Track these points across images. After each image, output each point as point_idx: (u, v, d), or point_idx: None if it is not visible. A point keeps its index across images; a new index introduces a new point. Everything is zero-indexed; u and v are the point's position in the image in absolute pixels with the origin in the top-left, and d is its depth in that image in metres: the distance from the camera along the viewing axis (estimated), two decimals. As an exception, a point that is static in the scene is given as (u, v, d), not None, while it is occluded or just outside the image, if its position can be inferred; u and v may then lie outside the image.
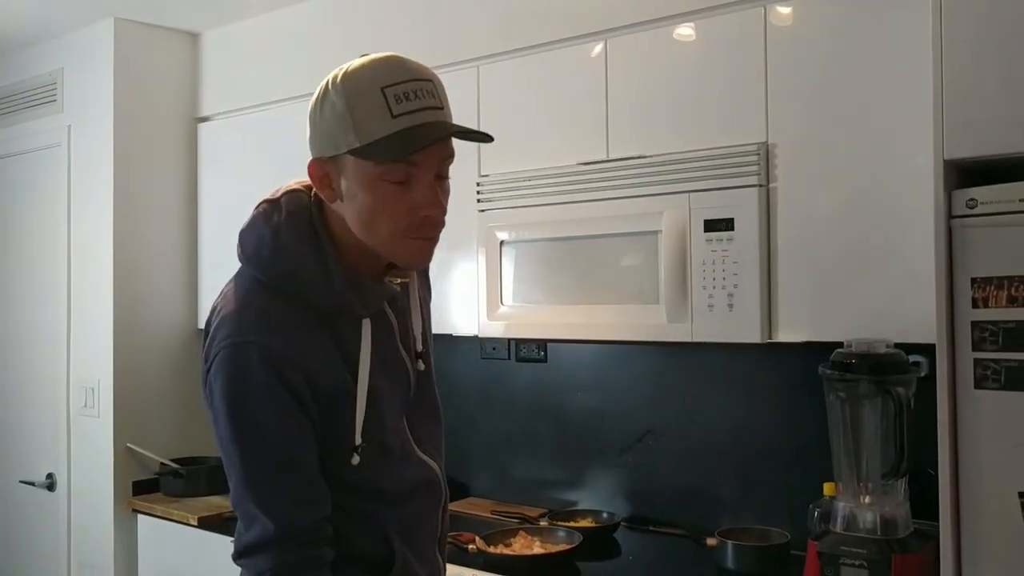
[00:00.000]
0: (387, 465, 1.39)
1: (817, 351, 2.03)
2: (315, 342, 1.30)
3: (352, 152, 1.25)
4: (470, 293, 2.65)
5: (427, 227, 1.30)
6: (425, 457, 1.46)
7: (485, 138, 1.32)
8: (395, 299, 1.43)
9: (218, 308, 1.35)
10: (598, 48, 2.42)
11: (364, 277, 1.35)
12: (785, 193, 2.09)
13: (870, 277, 1.96)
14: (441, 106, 1.29)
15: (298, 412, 1.28)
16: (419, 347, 1.50)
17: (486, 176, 2.59)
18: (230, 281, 1.38)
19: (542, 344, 2.90)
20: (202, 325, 3.44)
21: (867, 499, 1.85)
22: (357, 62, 1.29)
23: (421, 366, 1.49)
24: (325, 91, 1.28)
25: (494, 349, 3.03)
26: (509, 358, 3.02)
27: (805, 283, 2.05)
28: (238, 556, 1.32)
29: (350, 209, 1.29)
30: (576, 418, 2.86)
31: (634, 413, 2.73)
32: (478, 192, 2.57)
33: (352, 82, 1.26)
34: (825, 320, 2.02)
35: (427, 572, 1.45)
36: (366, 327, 1.36)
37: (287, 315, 1.30)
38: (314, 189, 1.35)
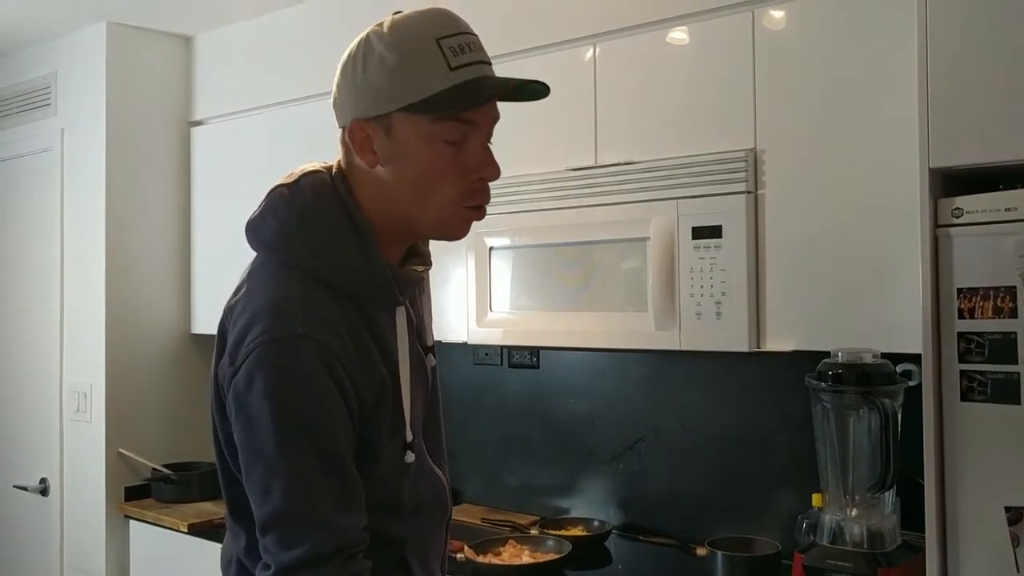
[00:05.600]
0: (406, 477, 1.27)
1: (806, 360, 2.00)
2: (355, 333, 1.19)
3: (406, 108, 1.16)
4: (459, 299, 2.63)
5: (481, 193, 1.23)
6: (436, 469, 1.35)
7: (544, 90, 1.24)
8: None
9: (239, 304, 1.22)
10: (588, 52, 2.39)
11: (394, 262, 1.25)
12: (773, 200, 2.06)
13: (858, 286, 1.94)
14: (490, 61, 1.21)
15: (345, 412, 1.17)
16: (430, 341, 1.40)
17: (475, 181, 2.56)
18: (247, 275, 1.26)
19: (534, 350, 2.88)
20: (196, 329, 3.47)
21: (854, 511, 1.82)
22: (404, 14, 1.20)
23: (432, 361, 1.39)
24: (367, 45, 1.19)
25: (486, 354, 3.01)
26: (501, 363, 3.00)
27: (793, 291, 2.03)
28: (289, 572, 1.14)
29: (396, 174, 1.20)
30: (568, 424, 2.83)
31: (626, 420, 2.71)
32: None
33: (403, 34, 1.17)
34: (813, 329, 2.00)
35: None
36: (400, 316, 1.27)
37: (328, 304, 1.19)
38: (335, 167, 1.25)
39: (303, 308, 1.17)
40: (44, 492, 3.50)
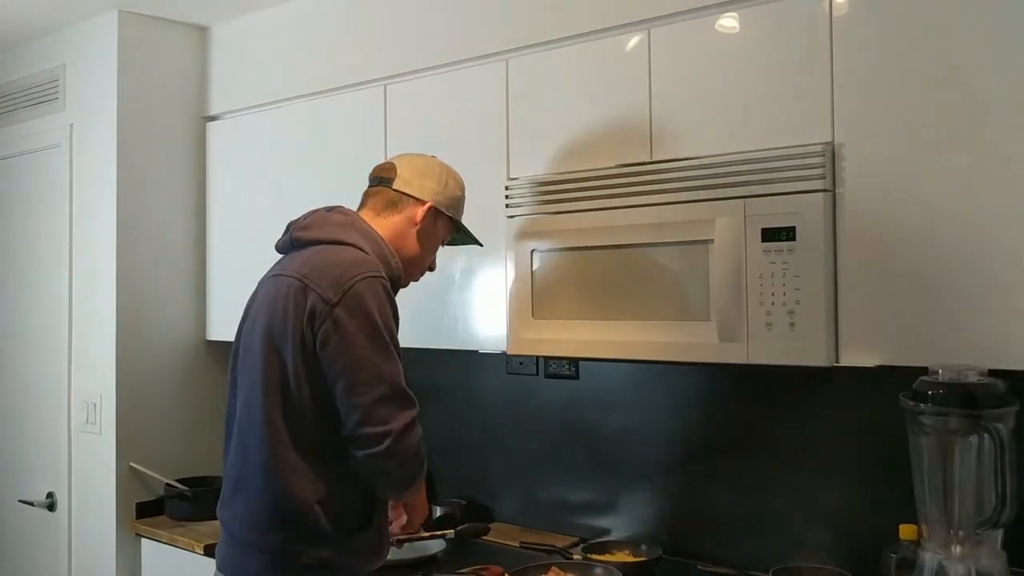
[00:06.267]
0: None
1: (893, 377, 1.81)
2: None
3: (452, 219, 2.04)
4: (497, 306, 2.44)
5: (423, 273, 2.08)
6: None
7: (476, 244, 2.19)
8: None
9: (314, 268, 1.79)
10: (638, 39, 2.20)
11: None
12: (855, 198, 1.86)
13: (956, 293, 1.74)
14: None
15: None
16: None
17: (515, 179, 2.39)
18: (300, 257, 1.86)
19: (573, 359, 2.69)
20: (212, 336, 3.33)
21: (958, 549, 1.62)
22: (454, 171, 2.07)
23: None
24: (447, 172, 2.04)
25: (521, 364, 2.83)
26: (537, 373, 2.81)
27: (879, 299, 1.83)
28: (408, 429, 1.72)
29: (416, 241, 1.98)
30: (610, 440, 2.64)
31: (674, 436, 2.52)
32: (507, 197, 2.36)
33: (460, 182, 2.06)
34: (902, 342, 1.80)
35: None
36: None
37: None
38: (363, 210, 2.00)
39: (376, 265, 1.81)
40: (51, 507, 3.33)
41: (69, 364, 3.29)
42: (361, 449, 1.72)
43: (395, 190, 1.97)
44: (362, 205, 2.00)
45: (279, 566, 1.78)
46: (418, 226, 1.96)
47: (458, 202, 2.04)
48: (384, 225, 1.94)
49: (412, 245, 1.97)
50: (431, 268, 2.07)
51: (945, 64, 1.76)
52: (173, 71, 3.28)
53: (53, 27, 3.33)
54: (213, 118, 3.34)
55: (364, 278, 1.75)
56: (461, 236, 2.10)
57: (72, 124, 3.30)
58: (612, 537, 2.61)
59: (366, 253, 1.83)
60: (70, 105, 3.32)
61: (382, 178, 2.00)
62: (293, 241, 1.91)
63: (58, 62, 3.36)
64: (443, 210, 1.99)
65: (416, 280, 2.04)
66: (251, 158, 3.18)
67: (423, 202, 1.96)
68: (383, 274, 1.79)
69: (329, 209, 1.95)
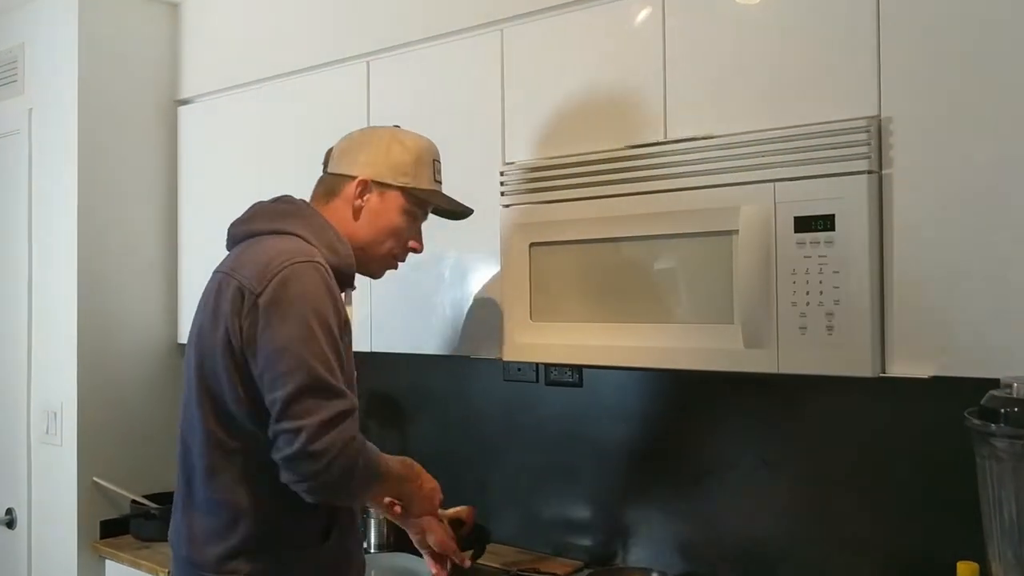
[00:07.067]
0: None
1: (950, 391, 1.55)
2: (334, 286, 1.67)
3: (401, 188, 1.81)
4: (491, 307, 2.21)
5: (404, 256, 1.88)
6: None
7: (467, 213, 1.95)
8: None
9: (245, 262, 1.65)
10: (650, 4, 1.95)
11: None
12: (905, 182, 1.60)
13: (1025, 294, 1.48)
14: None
15: (337, 323, 1.62)
16: None
17: (511, 164, 2.14)
18: (236, 251, 1.73)
19: (576, 366, 2.44)
20: (183, 339, 3.05)
21: (1035, 595, 1.37)
22: (416, 134, 1.87)
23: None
24: (391, 137, 1.83)
25: (519, 370, 2.60)
26: (537, 381, 2.58)
27: (934, 300, 1.57)
28: (326, 426, 1.51)
29: (368, 221, 1.80)
30: (618, 453, 2.41)
31: (692, 451, 2.28)
32: (502, 184, 2.12)
33: (418, 145, 1.85)
34: (963, 350, 1.54)
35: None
36: (350, 296, 1.89)
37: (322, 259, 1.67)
38: (314, 197, 1.85)
39: (311, 252, 1.65)
40: (10, 524, 3.12)
41: (28, 368, 3.09)
42: (277, 452, 1.54)
43: (329, 173, 1.84)
44: (311, 196, 1.86)
45: None
46: (354, 205, 1.79)
47: (408, 168, 1.81)
48: (329, 212, 1.79)
49: (361, 228, 1.79)
50: (414, 249, 1.87)
51: (1010, 21, 1.50)
52: (141, 51, 3.09)
53: (11, 4, 3.14)
54: (185, 101, 3.15)
55: (292, 264, 1.60)
56: (438, 206, 1.88)
57: (31, 109, 3.11)
58: (620, 563, 2.39)
59: (307, 241, 1.68)
60: (29, 88, 3.13)
61: (323, 164, 1.88)
62: (231, 236, 1.79)
63: (16, 42, 3.16)
64: (385, 181, 1.79)
65: (392, 267, 1.88)
66: (226, 144, 2.98)
67: (355, 178, 1.79)
68: (319, 260, 1.63)
69: (275, 200, 1.81)
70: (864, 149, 1.62)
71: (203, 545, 1.66)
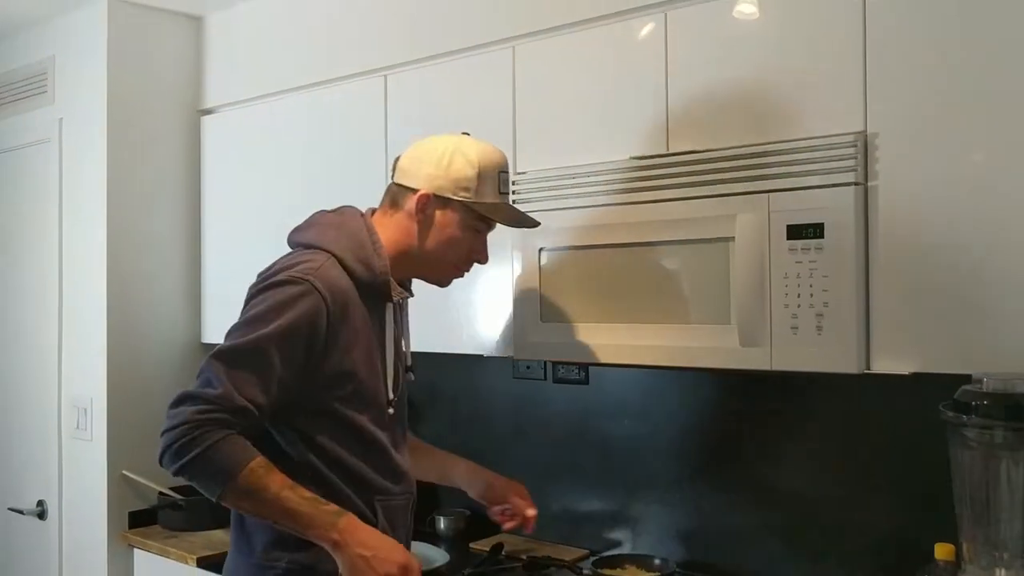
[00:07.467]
0: (385, 432, 1.77)
1: (929, 386, 1.67)
2: (355, 306, 1.68)
3: (464, 202, 1.74)
4: (502, 308, 2.32)
5: (469, 267, 1.85)
6: (404, 465, 1.82)
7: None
8: (396, 310, 1.81)
9: (279, 261, 1.71)
10: (654, 23, 2.07)
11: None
12: (889, 193, 1.73)
13: (999, 296, 1.60)
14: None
15: (301, 349, 1.61)
16: (409, 361, 1.90)
17: (523, 173, 2.26)
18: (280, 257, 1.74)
19: (583, 364, 2.56)
20: (207, 338, 3.23)
21: (1003, 572, 1.49)
22: (481, 142, 1.79)
23: (411, 377, 1.90)
24: (455, 150, 1.75)
25: (528, 368, 2.70)
26: (545, 378, 2.69)
27: (915, 302, 1.69)
28: (172, 405, 1.58)
29: (430, 234, 1.76)
30: (623, 448, 2.51)
31: (691, 445, 2.39)
32: (513, 192, 2.24)
33: (482, 157, 1.76)
34: (940, 348, 1.66)
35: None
36: (389, 312, 1.77)
37: (342, 279, 1.67)
38: (378, 209, 1.82)
39: (321, 272, 1.65)
40: (42, 515, 3.23)
41: (59, 367, 3.19)
42: None
43: (396, 183, 1.80)
44: (380, 203, 1.85)
45: (263, 568, 1.70)
46: (416, 219, 1.75)
47: (471, 182, 1.74)
48: (388, 224, 1.78)
49: (423, 241, 1.76)
50: (480, 260, 1.83)
51: (987, 43, 1.63)
52: (166, 63, 3.18)
53: (42, 18, 3.23)
54: (208, 111, 3.24)
55: (278, 281, 1.63)
56: (503, 218, 1.82)
57: (62, 118, 3.20)
58: (624, 550, 2.49)
59: (333, 255, 1.69)
60: (60, 98, 3.22)
61: (392, 170, 1.84)
62: (288, 242, 1.82)
63: (47, 54, 3.26)
64: (446, 195, 1.74)
65: (459, 276, 1.85)
66: (248, 153, 3.07)
67: (417, 191, 1.75)
68: (314, 281, 1.62)
69: (334, 210, 1.83)
70: (851, 162, 1.74)
71: (251, 534, 1.73)
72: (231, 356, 1.58)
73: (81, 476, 3.09)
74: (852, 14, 1.77)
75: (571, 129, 2.21)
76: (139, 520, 3.01)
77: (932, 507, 1.71)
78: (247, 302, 1.67)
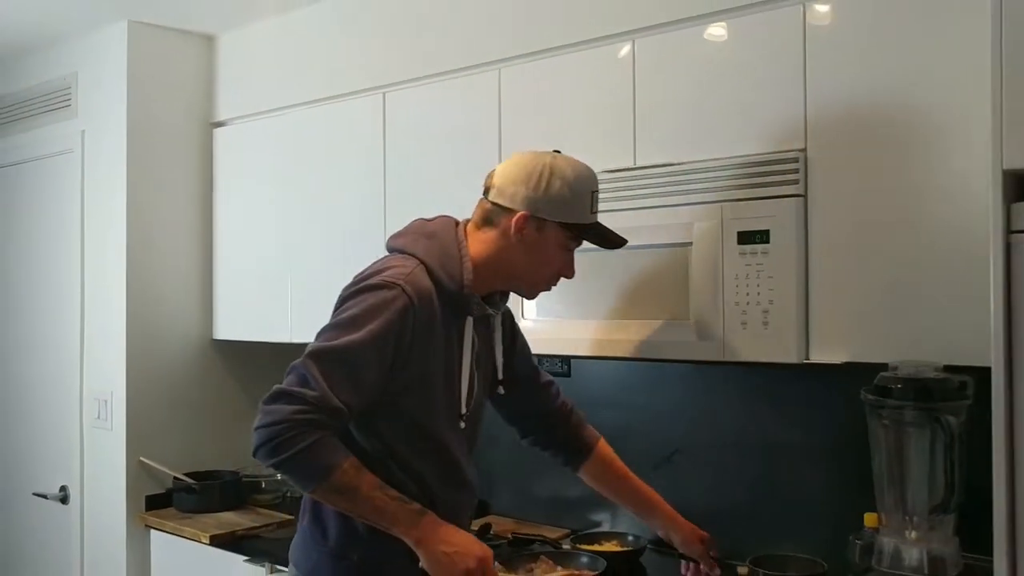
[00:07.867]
0: (457, 440, 1.86)
1: (859, 373, 1.90)
2: (435, 312, 1.72)
3: (559, 223, 1.79)
4: (490, 306, 2.53)
5: (556, 281, 1.90)
6: (470, 475, 1.91)
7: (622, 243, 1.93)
8: (479, 325, 1.86)
9: (373, 265, 1.77)
10: (625, 49, 2.30)
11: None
12: (824, 203, 1.95)
13: (917, 295, 1.83)
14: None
15: (390, 350, 1.66)
16: (500, 375, 1.97)
17: (507, 184, 2.47)
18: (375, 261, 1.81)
19: (566, 358, 2.78)
20: (218, 335, 3.43)
21: (913, 534, 1.71)
22: (575, 161, 1.83)
23: (501, 391, 2.00)
24: (551, 171, 1.78)
25: (516, 362, 2.91)
26: (531, 371, 2.89)
27: (846, 300, 1.92)
28: (268, 401, 1.62)
29: (523, 252, 1.80)
30: (603, 436, 2.72)
31: (662, 432, 2.61)
32: (499, 201, 2.45)
33: (576, 177, 1.80)
34: (867, 340, 1.89)
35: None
36: (469, 325, 1.81)
37: (428, 284, 1.72)
38: (469, 223, 1.85)
39: (411, 277, 1.70)
40: (64, 500, 3.44)
41: (81, 363, 3.39)
42: None
43: (490, 202, 1.83)
44: (472, 217, 1.88)
45: (337, 558, 1.77)
46: (514, 239, 1.79)
47: (565, 204, 1.78)
48: (480, 239, 1.82)
49: (515, 259, 1.81)
50: (567, 276, 1.89)
51: (904, 78, 1.86)
52: (181, 79, 3.38)
53: (65, 36, 3.43)
54: (220, 124, 3.44)
55: (372, 285, 1.69)
56: (594, 237, 1.87)
57: (84, 130, 3.39)
58: (602, 529, 2.70)
59: (422, 263, 1.75)
60: (82, 112, 3.42)
61: (485, 187, 1.87)
62: (386, 247, 1.89)
63: (70, 70, 3.46)
64: (543, 216, 1.78)
65: (546, 290, 1.91)
66: (256, 162, 3.28)
67: (515, 212, 1.79)
68: (405, 285, 1.68)
69: (431, 219, 1.88)
70: (794, 176, 1.96)
71: (325, 523, 1.80)
72: (326, 357, 1.62)
73: (101, 463, 3.30)
74: (795, 45, 2.00)
75: (549, 144, 2.40)
76: (155, 503, 3.21)
77: (866, 482, 1.92)
78: (341, 303, 1.72)
